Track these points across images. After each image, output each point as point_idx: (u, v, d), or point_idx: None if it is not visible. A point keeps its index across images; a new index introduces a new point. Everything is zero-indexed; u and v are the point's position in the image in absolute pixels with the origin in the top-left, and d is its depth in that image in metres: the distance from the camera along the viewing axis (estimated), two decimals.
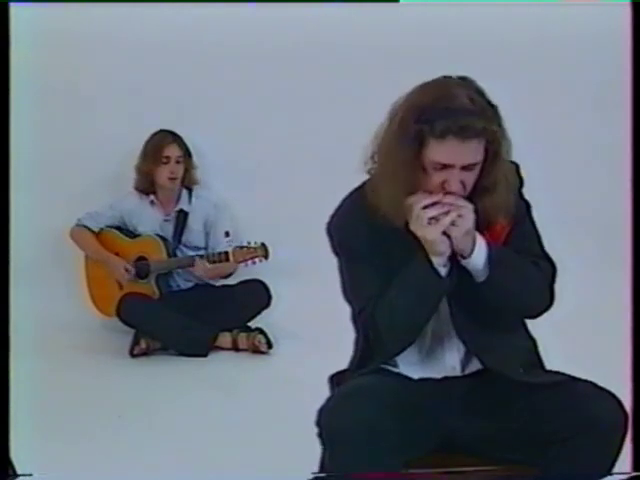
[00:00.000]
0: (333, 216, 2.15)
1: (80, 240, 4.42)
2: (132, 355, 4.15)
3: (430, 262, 1.99)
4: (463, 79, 1.98)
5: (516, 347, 2.17)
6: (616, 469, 2.03)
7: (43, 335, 4.23)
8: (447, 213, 1.95)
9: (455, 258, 2.02)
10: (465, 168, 1.96)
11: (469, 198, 1.99)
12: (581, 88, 4.71)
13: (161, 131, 4.36)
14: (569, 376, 2.09)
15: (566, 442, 1.97)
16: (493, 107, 1.97)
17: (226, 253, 4.16)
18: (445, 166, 1.95)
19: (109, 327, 4.34)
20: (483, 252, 2.00)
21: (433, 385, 2.14)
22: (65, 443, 3.11)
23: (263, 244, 4.16)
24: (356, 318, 2.14)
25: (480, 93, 1.96)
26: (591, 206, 4.74)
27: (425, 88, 1.98)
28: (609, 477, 2.02)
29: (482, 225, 2.02)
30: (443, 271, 2.01)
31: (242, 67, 4.57)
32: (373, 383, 2.08)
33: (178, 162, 4.32)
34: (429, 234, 1.96)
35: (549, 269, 2.12)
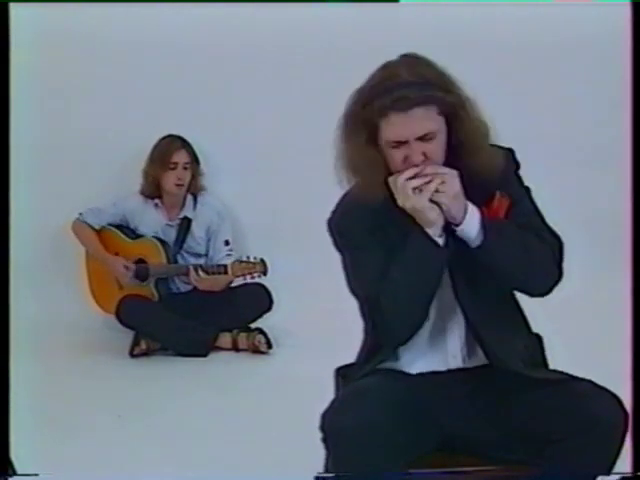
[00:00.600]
0: (333, 212, 2.16)
1: (81, 236, 4.42)
2: (132, 355, 4.15)
3: (426, 234, 2.00)
4: (407, 56, 2.04)
5: (519, 338, 2.16)
6: (616, 469, 2.03)
7: (43, 335, 4.24)
8: (430, 182, 1.97)
9: (450, 229, 2.02)
10: (422, 139, 1.98)
11: (454, 166, 2.00)
12: (581, 88, 4.71)
13: (169, 136, 4.35)
14: (568, 375, 2.10)
15: (566, 442, 1.96)
16: (444, 75, 2.01)
17: (225, 266, 4.15)
18: (399, 143, 1.98)
19: (109, 326, 4.34)
20: (476, 218, 2.01)
21: (434, 385, 2.14)
22: (65, 443, 3.11)
23: (262, 260, 4.15)
24: (363, 309, 2.13)
25: (427, 64, 2.01)
26: (591, 206, 4.74)
27: (370, 76, 2.03)
28: (609, 477, 2.02)
29: (478, 201, 2.03)
30: (440, 241, 2.02)
31: (241, 66, 4.58)
32: (375, 386, 2.07)
33: (185, 168, 4.32)
34: (417, 203, 1.97)
35: (555, 243, 2.10)
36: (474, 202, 2.03)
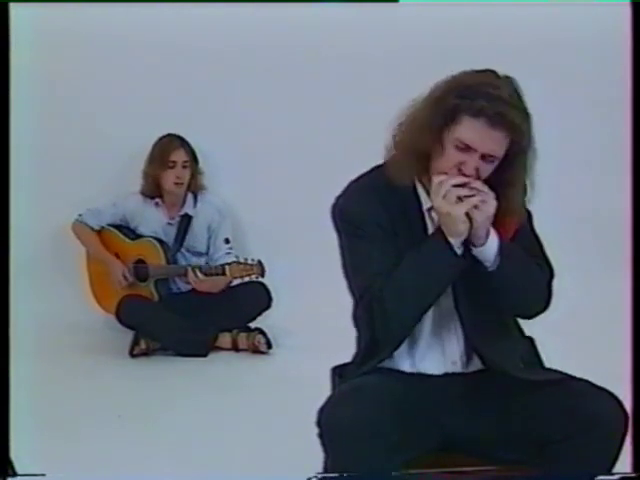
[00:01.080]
0: (339, 198, 2.15)
1: (81, 236, 4.43)
2: (132, 355, 4.15)
3: (447, 241, 2.00)
4: (509, 78, 2.02)
5: (515, 345, 2.18)
6: (616, 469, 2.03)
7: (43, 335, 4.23)
8: (474, 195, 1.98)
9: (468, 245, 2.03)
10: (484, 157, 1.99)
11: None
12: (581, 88, 4.71)
13: (168, 135, 4.35)
14: (567, 375, 2.10)
15: (566, 442, 1.97)
16: (529, 114, 2.03)
17: (222, 267, 4.15)
18: (467, 148, 1.98)
19: (110, 326, 4.34)
20: (495, 242, 2.03)
21: (433, 384, 2.14)
22: (65, 443, 3.11)
23: (260, 262, 4.14)
24: (359, 302, 2.11)
25: (521, 96, 2.02)
26: (591, 206, 4.74)
27: (472, 72, 2.03)
28: (609, 477, 2.02)
29: (496, 219, 2.04)
30: (459, 251, 2.02)
31: (241, 66, 4.58)
32: (373, 383, 2.07)
33: (184, 167, 4.32)
34: (454, 210, 1.98)
35: (549, 273, 2.15)
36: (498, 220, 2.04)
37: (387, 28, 4.41)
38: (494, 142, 1.98)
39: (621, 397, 2.02)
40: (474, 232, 2.01)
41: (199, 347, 4.16)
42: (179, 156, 4.31)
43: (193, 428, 3.29)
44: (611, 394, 2.00)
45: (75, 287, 4.49)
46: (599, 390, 2.01)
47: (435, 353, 2.16)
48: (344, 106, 4.46)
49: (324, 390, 2.23)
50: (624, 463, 2.08)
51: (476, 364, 2.17)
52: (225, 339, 4.22)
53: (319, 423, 1.99)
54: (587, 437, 1.95)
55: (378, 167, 2.14)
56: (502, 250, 2.03)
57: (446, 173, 2.00)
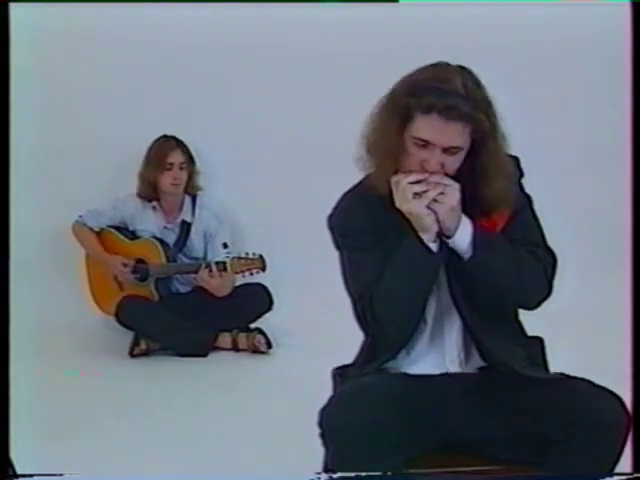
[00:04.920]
0: (334, 209, 2.17)
1: (80, 237, 4.42)
2: (132, 355, 4.15)
3: (420, 239, 2.02)
4: (463, 68, 2.03)
5: (517, 342, 2.17)
6: (616, 469, 2.03)
7: (43, 335, 4.24)
8: (430, 190, 1.99)
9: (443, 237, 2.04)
10: (446, 151, 1.99)
11: (465, 185, 2.02)
12: (581, 88, 4.71)
13: (164, 137, 4.35)
14: (568, 376, 2.10)
15: (567, 441, 1.97)
16: (488, 100, 2.01)
17: (224, 263, 4.15)
18: (427, 144, 1.99)
19: (110, 326, 4.34)
20: (467, 232, 2.03)
21: (434, 384, 2.14)
22: (65, 443, 3.11)
23: (261, 256, 4.15)
24: (355, 307, 2.12)
25: (477, 84, 2.01)
26: (591, 206, 4.74)
27: (422, 69, 2.04)
28: (609, 477, 2.02)
29: (479, 213, 2.05)
30: (434, 247, 2.03)
31: (239, 66, 4.58)
32: (374, 383, 2.08)
33: (181, 168, 4.31)
34: (414, 208, 1.99)
35: (548, 259, 2.13)
36: (474, 214, 2.04)
37: (387, 28, 4.41)
38: (452, 135, 1.98)
39: (621, 397, 2.01)
40: (442, 225, 2.02)
41: (199, 347, 4.16)
42: (176, 158, 4.30)
43: (193, 428, 3.28)
44: (612, 394, 2.00)
45: (75, 287, 4.49)
46: (600, 390, 2.01)
47: (436, 350, 2.16)
48: (344, 106, 4.46)
49: (324, 390, 2.23)
50: (624, 463, 2.08)
51: (477, 361, 2.17)
52: (225, 339, 4.22)
53: (321, 424, 1.99)
54: (588, 437, 1.95)
55: (368, 176, 2.15)
56: (479, 239, 2.02)
57: (412, 172, 2.01)
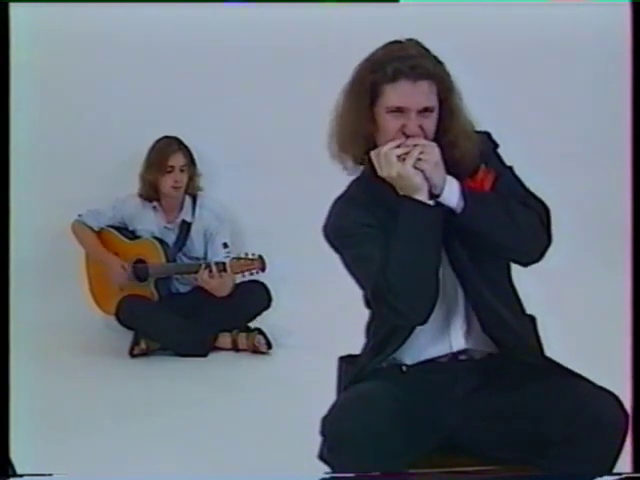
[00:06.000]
0: (328, 218, 2.18)
1: (80, 237, 4.42)
2: (132, 355, 4.15)
3: (414, 199, 2.03)
4: (411, 40, 2.12)
5: (519, 323, 2.17)
6: (616, 469, 2.03)
7: (43, 335, 4.24)
8: (412, 150, 2.03)
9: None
10: (421, 113, 2.05)
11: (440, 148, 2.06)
12: (581, 88, 4.71)
13: (165, 138, 4.34)
14: (567, 369, 2.10)
15: (566, 442, 1.97)
16: (440, 62, 2.11)
17: (223, 264, 4.14)
18: (401, 110, 2.05)
19: (110, 326, 4.34)
20: (455, 187, 2.06)
21: (434, 387, 2.14)
22: (65, 443, 3.11)
23: (260, 256, 4.14)
24: (372, 299, 2.10)
25: (427, 51, 2.11)
26: (591, 205, 4.74)
27: (377, 50, 2.13)
28: (609, 477, 2.02)
29: (463, 174, 2.08)
30: (430, 203, 2.05)
31: (239, 66, 4.58)
32: (374, 389, 2.07)
33: (182, 171, 4.31)
34: (402, 169, 2.02)
35: (540, 208, 2.14)
36: (457, 175, 2.07)
37: (387, 28, 4.40)
38: (422, 94, 2.05)
39: (621, 397, 2.02)
40: (430, 182, 2.04)
41: (199, 347, 4.16)
42: (177, 160, 4.29)
43: (193, 428, 3.28)
44: (612, 394, 2.01)
45: (75, 287, 4.49)
46: (600, 390, 2.02)
47: (440, 329, 2.15)
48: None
49: (324, 390, 2.23)
50: (624, 463, 2.08)
51: (478, 339, 2.16)
52: (225, 339, 4.21)
53: (322, 432, 2.00)
54: (588, 437, 1.95)
55: (353, 181, 2.20)
56: (468, 194, 2.05)
57: (393, 138, 2.05)
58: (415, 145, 2.03)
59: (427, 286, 2.05)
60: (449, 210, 2.05)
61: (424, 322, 2.07)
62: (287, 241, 4.55)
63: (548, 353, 2.23)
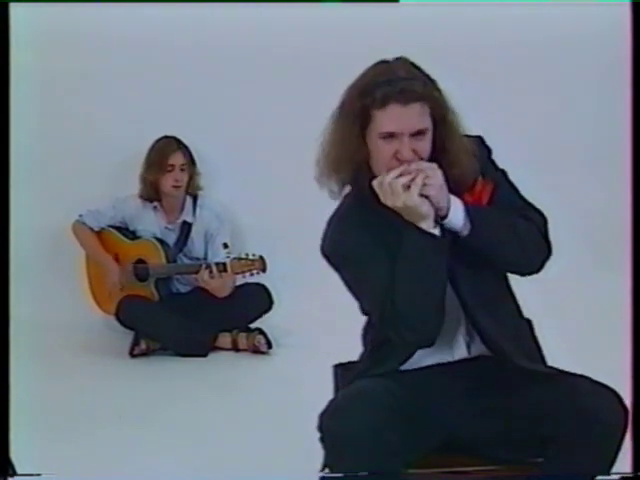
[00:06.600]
0: (324, 237, 2.16)
1: (80, 237, 4.42)
2: (132, 355, 4.15)
3: (420, 229, 2.01)
4: (399, 59, 2.08)
5: (517, 329, 2.17)
6: (616, 469, 2.03)
7: (43, 336, 4.24)
8: (416, 177, 1.99)
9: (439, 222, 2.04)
10: (414, 136, 2.01)
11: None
12: (581, 88, 4.71)
13: (165, 138, 4.34)
14: (567, 372, 2.10)
15: (566, 441, 1.97)
16: (432, 79, 2.05)
17: (224, 264, 4.14)
18: (393, 135, 2.00)
19: (109, 326, 4.34)
20: (459, 207, 2.04)
21: (433, 386, 2.14)
22: (65, 443, 3.11)
23: (261, 257, 4.14)
24: (379, 323, 2.10)
25: (418, 68, 2.06)
26: (591, 206, 4.74)
27: (364, 72, 2.09)
28: (609, 477, 2.02)
29: (461, 189, 2.06)
30: (436, 231, 2.03)
31: (239, 66, 4.58)
32: (373, 386, 2.07)
33: (182, 170, 4.31)
34: (408, 200, 1.99)
35: (539, 219, 2.14)
36: (456, 192, 2.05)
37: (387, 28, 4.41)
38: (414, 117, 2.00)
39: (621, 395, 2.01)
40: (436, 206, 2.02)
41: (199, 347, 4.15)
42: (177, 159, 4.29)
43: (193, 428, 3.29)
44: (611, 391, 2.00)
45: (75, 287, 4.49)
46: (600, 388, 2.01)
47: (444, 340, 2.14)
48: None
49: (324, 390, 2.23)
50: (624, 463, 2.08)
51: (480, 348, 2.16)
52: (225, 339, 4.21)
53: (320, 428, 1.99)
54: (587, 435, 1.95)
55: (346, 196, 2.16)
56: (472, 214, 2.03)
57: (387, 165, 2.02)
58: (418, 170, 2.00)
59: (435, 313, 2.05)
60: (454, 232, 2.04)
61: (431, 345, 2.09)
62: (287, 241, 4.55)
63: (548, 353, 2.23)
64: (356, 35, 4.48)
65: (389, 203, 2.01)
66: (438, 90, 2.04)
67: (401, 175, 1.99)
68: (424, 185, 1.99)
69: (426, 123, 2.02)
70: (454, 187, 2.05)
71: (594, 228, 4.66)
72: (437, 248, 2.02)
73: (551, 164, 4.63)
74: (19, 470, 2.34)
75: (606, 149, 4.51)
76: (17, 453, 2.31)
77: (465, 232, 2.03)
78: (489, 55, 4.52)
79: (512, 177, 2.17)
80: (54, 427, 3.24)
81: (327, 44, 4.50)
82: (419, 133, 2.01)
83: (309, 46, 4.50)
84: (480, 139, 2.16)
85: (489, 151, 2.16)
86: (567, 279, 4.34)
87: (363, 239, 2.08)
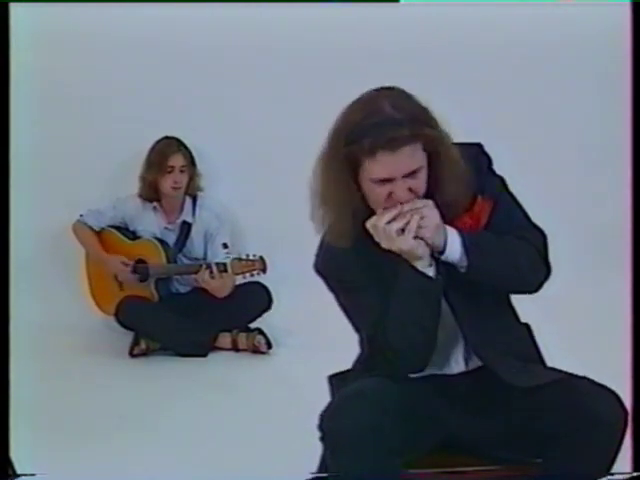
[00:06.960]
0: (317, 256, 2.17)
1: (80, 237, 4.42)
2: (132, 355, 4.15)
3: (415, 269, 2.00)
4: (390, 89, 1.99)
5: (514, 339, 2.16)
6: (616, 469, 2.03)
7: (43, 335, 4.23)
8: (411, 219, 1.96)
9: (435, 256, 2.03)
10: (408, 176, 1.96)
11: (433, 197, 2.00)
12: (581, 88, 4.71)
13: (165, 138, 4.33)
14: (565, 373, 2.10)
15: (566, 441, 1.97)
16: (423, 108, 1.97)
17: (224, 265, 4.14)
18: (386, 180, 1.96)
19: (109, 326, 4.34)
20: (457, 242, 2.01)
21: (434, 385, 2.14)
22: (65, 443, 3.11)
23: (261, 257, 4.14)
24: (368, 346, 2.11)
25: (408, 98, 1.97)
26: (591, 206, 4.74)
27: (353, 106, 2.00)
28: (609, 477, 2.02)
29: (459, 212, 2.03)
30: (431, 271, 2.01)
31: (239, 66, 4.58)
32: (373, 386, 2.07)
33: (182, 171, 4.31)
34: (403, 245, 1.96)
35: (538, 238, 2.11)
36: (455, 214, 2.02)
37: (387, 28, 4.41)
38: (406, 161, 1.94)
39: (621, 395, 2.01)
40: (432, 246, 2.00)
41: (199, 347, 4.15)
42: (177, 161, 4.29)
43: (193, 428, 3.28)
44: (611, 392, 2.00)
45: (75, 287, 4.49)
46: (600, 389, 2.01)
47: (440, 354, 2.14)
48: (344, 106, 4.46)
49: (324, 390, 2.23)
50: (624, 463, 2.08)
51: (478, 362, 2.16)
52: (225, 339, 4.21)
53: (321, 428, 1.99)
54: (587, 435, 1.94)
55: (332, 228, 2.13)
56: (467, 244, 2.00)
57: (382, 205, 1.98)
58: (412, 211, 1.96)
59: (426, 344, 2.06)
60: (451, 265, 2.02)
61: (421, 371, 2.10)
62: (287, 241, 4.55)
63: (548, 354, 2.23)
64: (356, 35, 4.48)
65: (384, 246, 1.99)
66: (430, 118, 1.97)
67: (395, 219, 1.96)
68: (419, 227, 1.96)
69: (419, 161, 1.97)
70: (453, 211, 2.02)
71: (594, 228, 4.66)
72: (431, 288, 2.02)
73: (551, 164, 4.63)
74: (19, 470, 2.34)
75: (606, 149, 4.51)
76: (17, 453, 2.31)
77: (463, 266, 2.02)
78: (489, 55, 4.51)
79: (511, 178, 2.14)
80: (54, 427, 3.24)
81: (327, 44, 4.49)
82: (413, 172, 1.96)
83: (309, 46, 4.50)
84: (480, 147, 2.11)
85: (489, 160, 2.12)
86: (567, 279, 4.34)
87: (361, 264, 2.07)
